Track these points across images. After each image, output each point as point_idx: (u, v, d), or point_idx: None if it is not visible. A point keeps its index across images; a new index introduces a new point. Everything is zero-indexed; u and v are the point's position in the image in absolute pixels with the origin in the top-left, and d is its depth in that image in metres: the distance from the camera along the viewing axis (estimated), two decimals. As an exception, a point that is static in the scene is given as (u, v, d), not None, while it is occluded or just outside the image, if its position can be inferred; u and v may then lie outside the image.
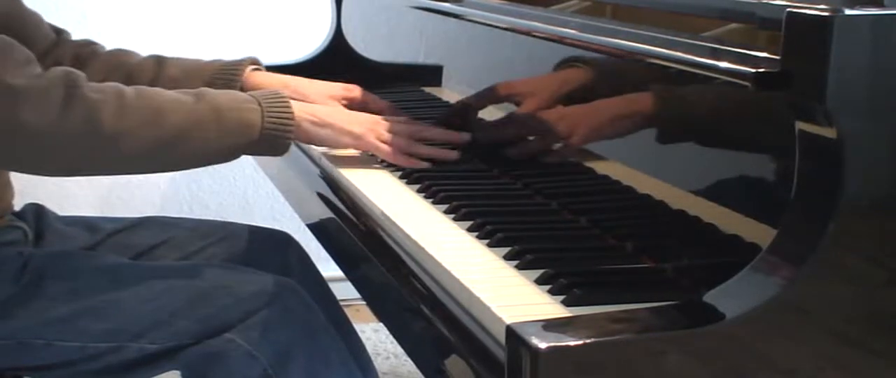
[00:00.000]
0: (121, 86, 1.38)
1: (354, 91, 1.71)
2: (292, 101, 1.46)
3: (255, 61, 1.71)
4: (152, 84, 1.58)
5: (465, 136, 1.53)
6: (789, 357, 0.91)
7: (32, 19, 1.70)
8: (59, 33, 1.75)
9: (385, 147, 1.50)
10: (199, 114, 1.38)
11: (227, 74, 1.67)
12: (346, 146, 1.53)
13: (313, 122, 1.47)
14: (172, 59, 1.73)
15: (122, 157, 1.36)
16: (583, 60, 1.29)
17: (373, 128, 1.51)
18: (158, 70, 1.69)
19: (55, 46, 1.72)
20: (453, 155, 1.52)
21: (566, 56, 1.31)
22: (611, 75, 1.25)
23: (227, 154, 1.43)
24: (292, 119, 1.44)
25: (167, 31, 2.69)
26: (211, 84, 1.61)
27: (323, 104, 1.61)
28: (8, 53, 1.33)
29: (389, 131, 1.51)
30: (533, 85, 1.42)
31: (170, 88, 1.44)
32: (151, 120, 1.35)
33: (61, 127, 1.31)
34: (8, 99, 1.29)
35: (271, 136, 1.43)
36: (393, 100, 1.87)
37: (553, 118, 1.36)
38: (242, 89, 1.60)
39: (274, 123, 1.42)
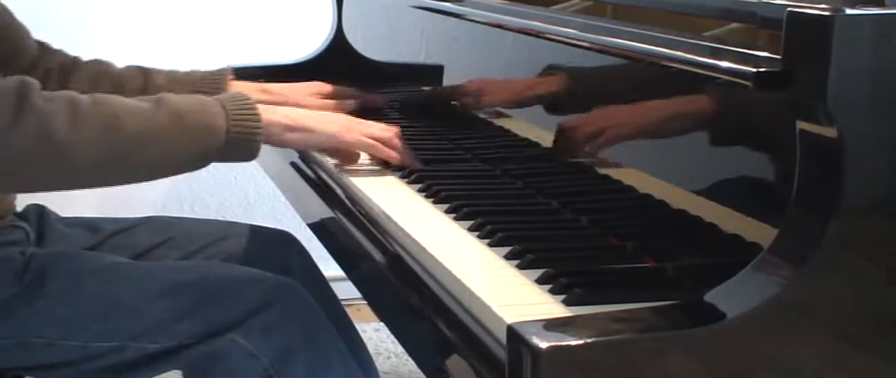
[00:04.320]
0: (75, 93, 1.31)
1: (325, 88, 1.74)
2: (261, 105, 1.40)
3: (232, 72, 1.72)
4: (141, 93, 1.58)
5: (416, 164, 1.51)
6: (790, 357, 0.91)
7: (21, 30, 1.70)
8: (42, 45, 1.75)
9: (365, 140, 1.48)
10: (159, 119, 1.32)
11: (212, 82, 1.67)
12: (320, 147, 1.52)
13: (286, 126, 1.42)
14: (156, 69, 1.73)
15: (76, 168, 1.29)
16: (559, 67, 1.29)
17: (348, 126, 1.49)
18: (146, 79, 1.69)
19: (41, 57, 1.72)
20: (418, 163, 1.51)
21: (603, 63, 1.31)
22: (609, 76, 1.26)
23: (192, 161, 1.36)
24: (260, 121, 1.38)
25: (167, 32, 2.70)
26: (197, 92, 1.57)
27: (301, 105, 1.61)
28: None
29: (363, 128, 1.50)
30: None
31: None
32: (107, 127, 1.28)
33: (11, 138, 1.24)
34: None
35: (238, 140, 1.36)
36: (393, 100, 1.87)
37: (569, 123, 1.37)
38: None
39: (240, 127, 1.36)
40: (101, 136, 1.28)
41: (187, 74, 1.72)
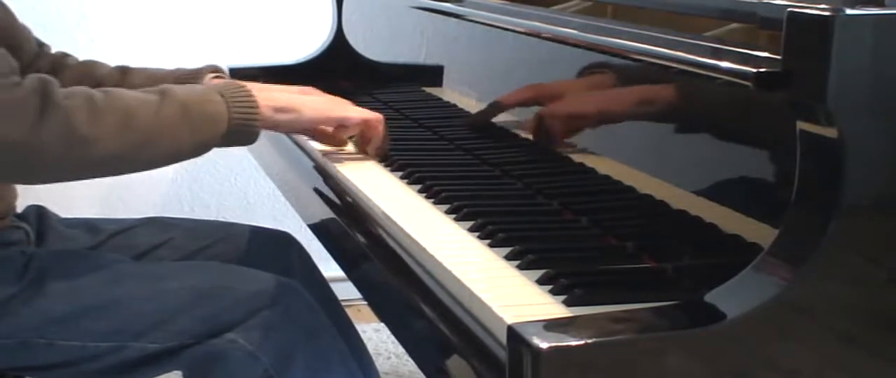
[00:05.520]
0: (89, 89, 1.36)
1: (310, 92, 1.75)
2: (253, 89, 1.45)
3: (215, 69, 1.72)
4: None
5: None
6: (790, 357, 0.91)
7: (23, 32, 1.71)
8: (42, 46, 1.77)
9: (353, 115, 1.53)
10: (168, 113, 1.37)
11: (186, 82, 1.67)
12: (310, 125, 1.55)
13: (274, 108, 1.47)
14: (137, 68, 1.74)
15: (96, 162, 1.34)
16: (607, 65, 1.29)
17: (332, 106, 1.54)
18: (123, 79, 1.69)
19: (37, 57, 1.73)
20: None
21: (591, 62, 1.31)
22: (607, 75, 1.26)
23: (198, 149, 1.42)
24: (257, 107, 1.43)
25: (167, 32, 2.70)
26: None
27: None
28: None
29: (349, 109, 1.54)
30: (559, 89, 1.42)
31: None
32: (123, 123, 1.33)
33: (37, 137, 1.28)
34: None
35: (239, 127, 1.42)
36: (394, 100, 1.87)
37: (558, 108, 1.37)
38: None
39: (240, 114, 1.41)
40: (117, 131, 1.33)
41: (166, 73, 1.72)
